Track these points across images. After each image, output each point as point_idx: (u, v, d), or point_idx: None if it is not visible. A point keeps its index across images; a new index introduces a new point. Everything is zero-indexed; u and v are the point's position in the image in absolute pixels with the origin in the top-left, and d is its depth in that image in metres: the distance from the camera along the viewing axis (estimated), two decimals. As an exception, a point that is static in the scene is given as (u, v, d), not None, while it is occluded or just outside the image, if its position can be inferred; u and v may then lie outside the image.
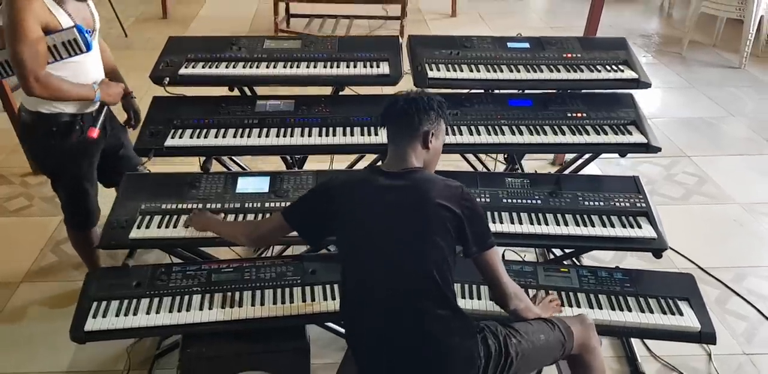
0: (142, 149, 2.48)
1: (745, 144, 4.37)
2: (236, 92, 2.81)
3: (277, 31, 5.84)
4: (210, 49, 2.74)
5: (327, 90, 2.89)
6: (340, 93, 2.81)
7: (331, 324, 2.52)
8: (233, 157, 2.87)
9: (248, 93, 2.86)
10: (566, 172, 3.00)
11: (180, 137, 2.51)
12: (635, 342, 2.72)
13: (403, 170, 1.88)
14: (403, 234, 1.80)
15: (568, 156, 3.28)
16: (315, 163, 3.11)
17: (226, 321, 2.14)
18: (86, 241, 2.71)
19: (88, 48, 2.30)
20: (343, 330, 2.49)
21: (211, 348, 2.13)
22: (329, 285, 2.25)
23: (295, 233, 2.06)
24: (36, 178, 3.91)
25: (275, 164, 3.54)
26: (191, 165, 2.75)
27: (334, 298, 2.20)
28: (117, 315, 2.14)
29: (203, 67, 2.65)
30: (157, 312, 2.16)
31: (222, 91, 2.80)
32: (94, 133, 2.40)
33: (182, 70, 2.61)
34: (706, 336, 2.21)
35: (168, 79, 2.57)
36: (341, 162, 3.32)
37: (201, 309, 2.17)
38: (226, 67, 2.65)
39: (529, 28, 6.28)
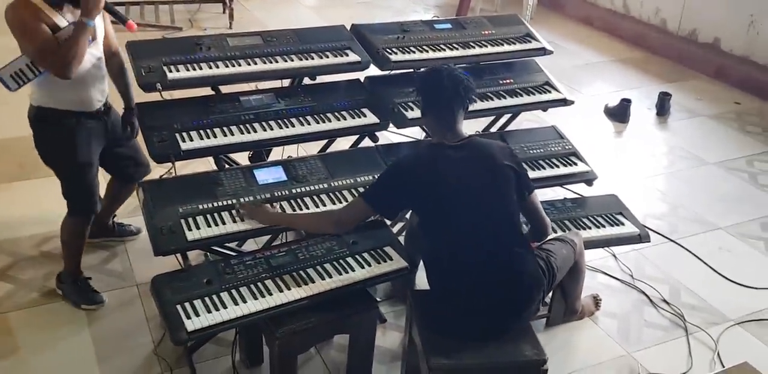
0: (162, 155, 2.52)
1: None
2: (209, 91, 2.88)
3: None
4: (178, 51, 2.78)
5: (281, 82, 3.08)
6: (304, 82, 3.03)
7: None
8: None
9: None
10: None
11: (191, 140, 2.59)
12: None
13: (460, 141, 2.29)
14: (486, 193, 2.24)
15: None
16: (277, 153, 3.26)
17: (306, 297, 2.37)
18: (83, 232, 2.85)
19: None
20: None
21: (300, 322, 2.36)
22: (373, 250, 2.57)
23: None
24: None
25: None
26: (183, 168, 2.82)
27: (385, 260, 2.54)
28: (209, 311, 2.27)
29: (188, 70, 2.70)
30: (244, 302, 2.31)
31: (192, 92, 2.85)
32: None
33: (171, 75, 2.63)
34: (644, 236, 3.00)
35: (159, 84, 2.60)
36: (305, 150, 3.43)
37: (281, 291, 2.37)
38: (210, 67, 2.74)
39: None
